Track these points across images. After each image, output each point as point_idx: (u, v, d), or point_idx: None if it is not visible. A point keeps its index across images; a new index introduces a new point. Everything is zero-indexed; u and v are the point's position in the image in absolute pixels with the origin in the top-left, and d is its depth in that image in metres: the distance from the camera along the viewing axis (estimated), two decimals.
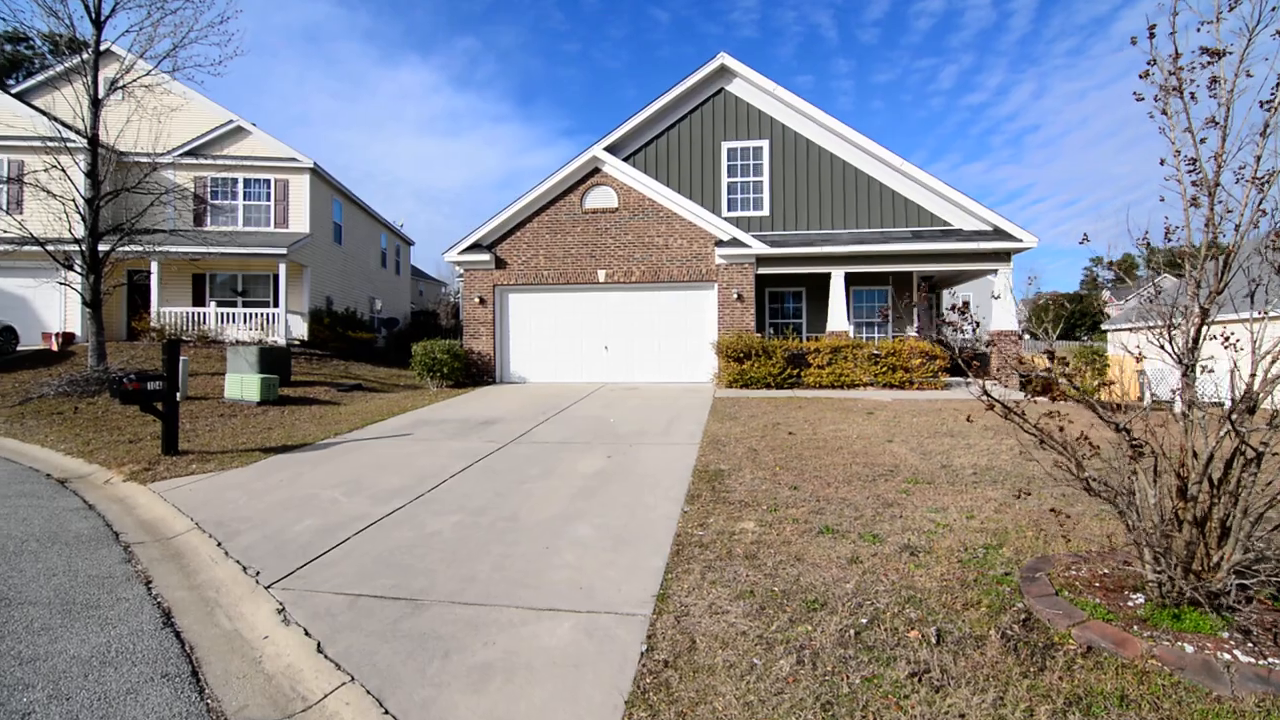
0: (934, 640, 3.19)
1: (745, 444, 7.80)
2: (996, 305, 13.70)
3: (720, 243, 14.12)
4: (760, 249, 13.74)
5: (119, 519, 5.45)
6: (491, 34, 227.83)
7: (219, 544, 4.69)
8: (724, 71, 14.93)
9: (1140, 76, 3.47)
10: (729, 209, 14.99)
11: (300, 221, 19.93)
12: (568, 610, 3.57)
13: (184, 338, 17.07)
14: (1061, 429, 3.47)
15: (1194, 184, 3.38)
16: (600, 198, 14.78)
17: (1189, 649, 2.94)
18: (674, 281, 14.46)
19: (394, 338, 26.55)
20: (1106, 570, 3.95)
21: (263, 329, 18.30)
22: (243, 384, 11.52)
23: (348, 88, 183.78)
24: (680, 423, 9.49)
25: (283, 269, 18.12)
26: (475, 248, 15.12)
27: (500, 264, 15.13)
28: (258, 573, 4.15)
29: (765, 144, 14.78)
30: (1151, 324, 3.60)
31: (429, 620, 3.47)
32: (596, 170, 14.76)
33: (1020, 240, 13.17)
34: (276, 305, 18.55)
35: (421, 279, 43.20)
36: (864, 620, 3.41)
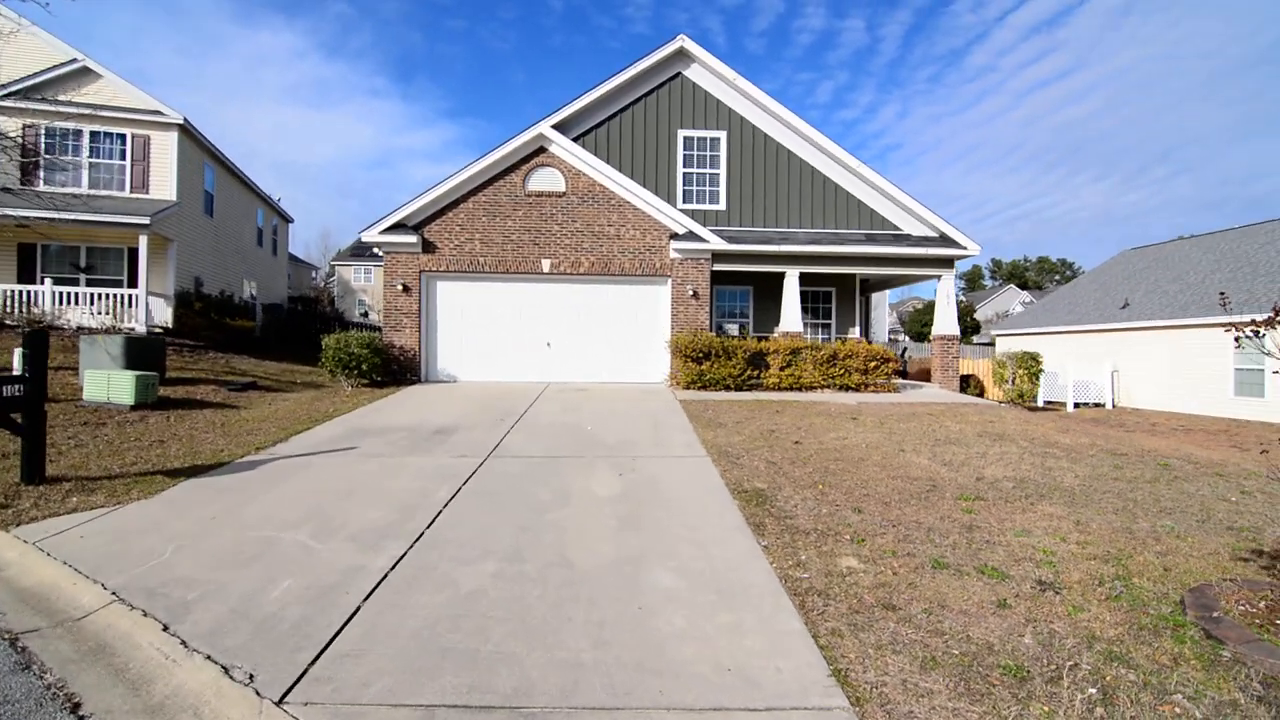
0: (1197, 716, 2.68)
1: (759, 456, 7.15)
2: (938, 310, 14.14)
3: (676, 236, 13.37)
4: (718, 244, 13.16)
5: None
6: (368, 0, 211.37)
7: (165, 627, 3.27)
8: (682, 55, 14.08)
9: None
10: (684, 200, 14.22)
11: (165, 187, 16.71)
12: (740, 709, 2.68)
13: (8, 321, 13.66)
14: None
15: None
16: (545, 180, 13.48)
17: None
18: (625, 275, 13.50)
19: (274, 326, 23.27)
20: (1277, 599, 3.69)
21: (114, 314, 15.06)
22: (110, 382, 9.16)
23: (196, 44, 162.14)
24: (664, 430, 8.68)
25: (144, 242, 15.01)
26: (399, 228, 13.28)
27: (429, 248, 13.40)
28: (250, 676, 2.85)
29: (723, 135, 14.15)
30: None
31: None
32: (542, 149, 13.43)
33: (965, 248, 13.63)
34: (135, 285, 15.40)
35: (291, 262, 38.68)
36: (1094, 692, 2.84)
